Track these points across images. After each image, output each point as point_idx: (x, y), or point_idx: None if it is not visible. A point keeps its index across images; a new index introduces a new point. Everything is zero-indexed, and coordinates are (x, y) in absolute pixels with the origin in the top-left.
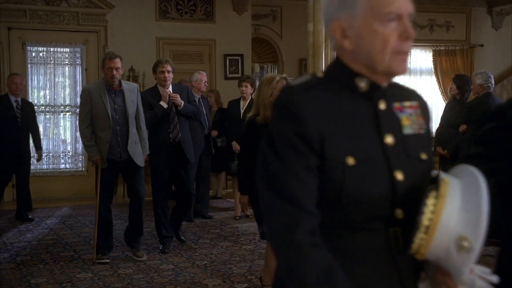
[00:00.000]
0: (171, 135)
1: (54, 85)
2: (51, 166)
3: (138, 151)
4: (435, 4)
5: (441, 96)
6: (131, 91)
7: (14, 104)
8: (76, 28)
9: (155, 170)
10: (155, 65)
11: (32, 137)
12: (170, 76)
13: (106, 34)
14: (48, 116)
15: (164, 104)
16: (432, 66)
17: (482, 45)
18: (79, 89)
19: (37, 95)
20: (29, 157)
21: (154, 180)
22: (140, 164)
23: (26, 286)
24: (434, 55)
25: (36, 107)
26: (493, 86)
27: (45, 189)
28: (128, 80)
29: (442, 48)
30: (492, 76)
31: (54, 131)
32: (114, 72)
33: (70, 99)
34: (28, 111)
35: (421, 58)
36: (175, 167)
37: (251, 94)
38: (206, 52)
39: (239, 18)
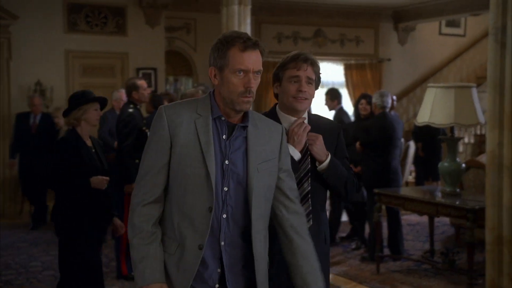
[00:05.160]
0: None
1: None
2: None
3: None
4: (345, 19)
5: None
6: (267, 134)
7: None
8: None
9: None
10: (282, 65)
11: None
12: (311, 93)
13: (10, 47)
14: None
15: (296, 153)
16: (344, 79)
17: (389, 59)
18: None
19: None
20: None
21: None
22: None
23: None
24: (346, 69)
25: None
26: (389, 105)
27: None
28: (35, 94)
29: (353, 62)
30: (388, 95)
31: None
32: (252, 80)
33: None
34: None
35: (333, 72)
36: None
37: None
38: (118, 66)
39: (152, 31)
